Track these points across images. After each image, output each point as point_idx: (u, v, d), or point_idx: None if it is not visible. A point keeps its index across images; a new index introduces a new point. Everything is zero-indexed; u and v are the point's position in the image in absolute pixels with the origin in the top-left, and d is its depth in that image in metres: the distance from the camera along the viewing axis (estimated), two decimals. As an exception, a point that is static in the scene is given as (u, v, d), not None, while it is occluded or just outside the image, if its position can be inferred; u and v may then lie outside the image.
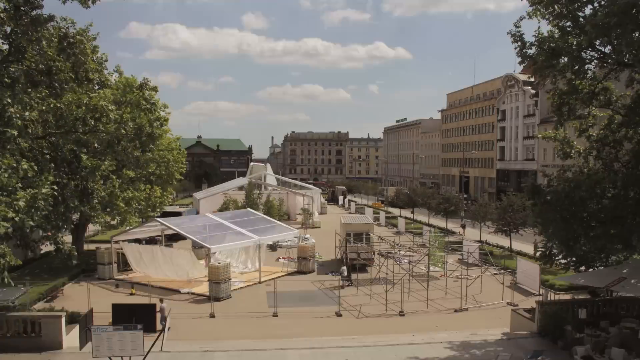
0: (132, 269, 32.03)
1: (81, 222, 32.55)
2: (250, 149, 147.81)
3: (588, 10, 16.23)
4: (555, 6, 16.27)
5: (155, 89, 30.21)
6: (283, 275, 31.10)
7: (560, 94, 17.41)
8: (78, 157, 23.90)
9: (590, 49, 16.63)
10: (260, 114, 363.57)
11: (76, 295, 25.22)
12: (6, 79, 15.63)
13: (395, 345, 18.46)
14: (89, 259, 32.19)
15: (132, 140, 27.12)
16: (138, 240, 36.75)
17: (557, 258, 19.94)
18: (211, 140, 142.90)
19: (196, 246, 32.93)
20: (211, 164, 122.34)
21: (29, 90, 16.20)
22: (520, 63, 18.10)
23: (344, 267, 29.69)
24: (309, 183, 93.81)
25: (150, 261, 29.80)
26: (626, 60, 15.97)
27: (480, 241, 40.78)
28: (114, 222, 33.54)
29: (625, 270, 17.00)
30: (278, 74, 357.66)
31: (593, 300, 20.76)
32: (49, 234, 19.65)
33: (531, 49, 17.05)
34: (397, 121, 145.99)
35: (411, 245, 32.83)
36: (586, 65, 17.22)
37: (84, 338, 16.63)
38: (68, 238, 28.73)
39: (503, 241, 40.40)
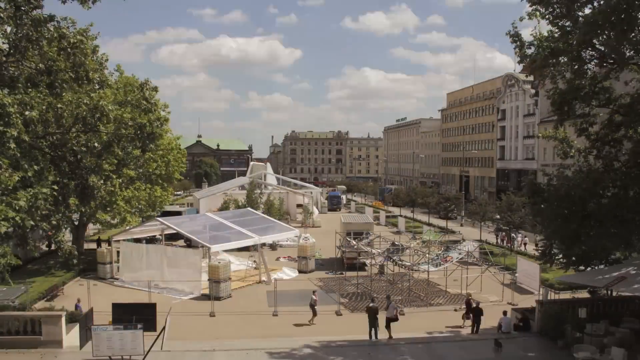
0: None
1: (81, 222, 32.57)
2: (250, 148, 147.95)
3: (587, 10, 16.24)
4: (555, 6, 16.27)
5: (155, 89, 30.14)
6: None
7: (560, 93, 17.40)
8: (78, 157, 23.88)
9: (589, 49, 16.62)
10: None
11: (76, 295, 25.19)
12: (6, 79, 15.65)
13: (396, 344, 18.47)
14: (89, 259, 32.22)
15: (132, 140, 27.13)
16: (138, 240, 36.77)
17: (557, 257, 19.95)
18: (211, 139, 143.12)
19: (198, 245, 32.84)
20: (211, 163, 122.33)
21: (29, 89, 16.20)
22: (519, 62, 18.11)
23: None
24: (310, 183, 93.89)
25: (148, 265, 29.46)
26: (620, 59, 15.98)
27: (480, 240, 40.81)
28: (114, 222, 33.56)
29: (625, 270, 17.01)
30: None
31: (593, 300, 20.78)
32: (49, 233, 19.65)
33: (530, 48, 17.05)
34: (397, 120, 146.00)
35: (412, 245, 32.83)
36: (586, 65, 17.22)
37: (84, 337, 16.67)
38: (68, 237, 28.79)
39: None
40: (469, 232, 47.90)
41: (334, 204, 74.62)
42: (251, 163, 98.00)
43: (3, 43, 15.76)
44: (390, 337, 19.28)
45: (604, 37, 15.38)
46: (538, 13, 16.40)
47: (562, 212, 17.64)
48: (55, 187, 17.15)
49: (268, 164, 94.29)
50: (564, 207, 17.54)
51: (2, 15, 14.51)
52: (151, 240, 36.87)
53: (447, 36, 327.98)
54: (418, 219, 60.23)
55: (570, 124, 18.90)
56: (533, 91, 74.96)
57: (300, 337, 19.85)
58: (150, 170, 36.65)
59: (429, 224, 54.54)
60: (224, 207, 48.31)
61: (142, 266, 29.45)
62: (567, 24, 16.48)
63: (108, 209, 31.25)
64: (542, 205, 18.79)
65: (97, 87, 21.84)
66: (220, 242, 29.09)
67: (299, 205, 55.39)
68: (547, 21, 16.71)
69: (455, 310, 24.40)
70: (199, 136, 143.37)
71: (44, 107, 16.54)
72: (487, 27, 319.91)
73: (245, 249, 33.22)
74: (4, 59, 15.63)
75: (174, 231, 32.01)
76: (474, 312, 20.52)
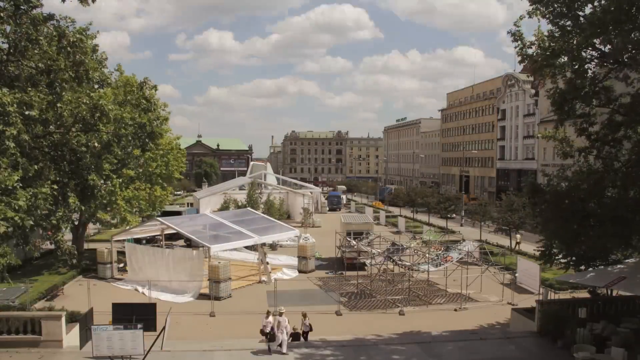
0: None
1: (81, 222, 32.55)
2: (250, 148, 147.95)
3: (588, 9, 16.22)
4: (556, 5, 16.25)
5: (155, 87, 30.13)
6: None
7: (560, 93, 17.38)
8: (78, 156, 23.75)
9: (590, 48, 16.60)
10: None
11: (76, 295, 25.23)
12: (6, 78, 15.64)
13: (395, 344, 18.46)
14: (89, 258, 32.22)
15: (132, 139, 27.12)
16: (138, 240, 36.75)
17: (557, 257, 19.94)
18: (211, 139, 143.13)
19: (198, 245, 32.84)
20: (211, 163, 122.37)
21: (29, 89, 16.18)
22: (520, 62, 18.07)
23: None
24: (310, 183, 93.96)
25: (151, 265, 29.38)
26: (626, 60, 15.95)
27: (480, 240, 40.76)
28: (114, 221, 33.54)
29: (625, 270, 16.99)
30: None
31: (593, 300, 20.76)
32: (49, 233, 19.62)
33: (531, 48, 17.02)
34: (397, 120, 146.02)
35: (412, 245, 32.83)
36: (586, 65, 17.19)
37: (84, 337, 16.67)
38: (68, 236, 28.74)
39: (503, 240, 40.43)
40: (469, 232, 47.89)
41: (334, 204, 74.64)
42: (251, 163, 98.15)
43: (3, 42, 15.75)
44: None
45: (609, 36, 15.30)
46: (538, 12, 16.37)
47: (562, 212, 17.61)
48: (55, 186, 17.13)
49: (268, 164, 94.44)
50: (564, 207, 17.51)
51: (1, 14, 14.51)
52: (151, 240, 36.89)
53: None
54: (418, 218, 60.19)
55: (570, 124, 18.88)
56: (533, 91, 74.99)
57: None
58: (150, 169, 36.63)
59: (429, 224, 54.54)
60: (224, 207, 48.30)
61: (147, 267, 29.38)
62: (568, 23, 16.47)
63: (108, 208, 31.21)
64: (543, 206, 18.77)
65: (96, 86, 21.83)
66: (220, 242, 29.09)
67: (304, 209, 55.16)
68: (548, 20, 16.69)
69: (455, 310, 24.40)
70: (199, 136, 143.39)
71: (43, 106, 16.51)
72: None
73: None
74: (5, 57, 15.62)
75: (174, 231, 32.01)
76: None
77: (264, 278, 29.87)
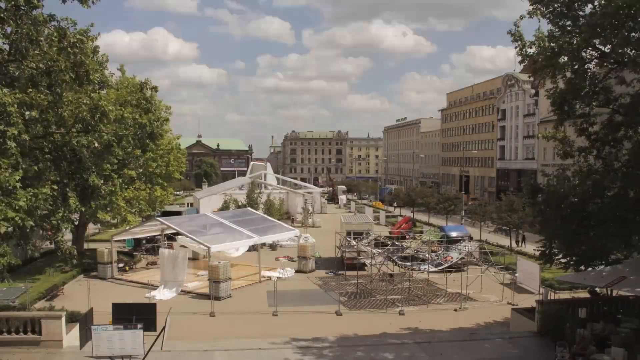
0: (130, 269, 32.13)
1: (81, 222, 32.57)
2: (250, 148, 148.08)
3: (588, 9, 16.24)
4: (556, 5, 16.26)
5: (155, 88, 30.10)
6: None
7: (560, 93, 17.39)
8: (79, 156, 23.72)
9: (590, 48, 16.61)
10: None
11: (76, 295, 25.23)
12: (7, 79, 15.64)
13: (396, 344, 18.48)
14: (89, 258, 32.24)
15: (132, 139, 27.10)
16: (138, 240, 36.80)
17: (556, 257, 19.93)
18: (211, 139, 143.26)
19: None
20: (211, 163, 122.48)
21: (30, 90, 16.17)
22: (520, 62, 18.07)
23: None
24: (310, 183, 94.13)
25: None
26: (625, 60, 15.96)
27: (480, 240, 40.77)
28: (115, 221, 33.55)
29: (625, 269, 17.00)
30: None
31: (593, 300, 20.77)
32: (49, 233, 19.61)
33: (531, 48, 17.02)
34: (397, 120, 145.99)
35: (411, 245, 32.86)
36: (586, 65, 17.20)
37: (84, 337, 16.65)
38: (68, 236, 28.74)
39: (503, 240, 40.45)
40: (469, 232, 47.84)
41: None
42: (251, 163, 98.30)
43: (3, 43, 15.73)
44: None
45: (607, 38, 15.32)
46: (539, 12, 16.38)
47: (561, 212, 17.62)
48: (55, 186, 17.12)
49: (268, 164, 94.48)
50: (563, 207, 17.52)
51: (2, 15, 14.49)
52: (151, 240, 36.92)
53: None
54: (418, 218, 60.19)
55: (570, 124, 18.88)
56: (533, 91, 74.97)
57: (300, 337, 19.84)
58: (151, 170, 36.63)
59: (429, 224, 54.56)
60: (224, 207, 48.31)
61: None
62: (568, 23, 16.49)
63: (108, 208, 31.23)
64: (542, 206, 18.77)
65: (97, 87, 21.81)
66: (220, 242, 29.11)
67: (303, 208, 55.17)
68: (548, 20, 16.70)
69: (455, 310, 24.40)
70: (199, 136, 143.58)
71: (44, 107, 16.51)
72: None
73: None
74: (6, 57, 15.62)
75: (174, 231, 32.02)
76: None
77: (263, 275, 29.91)
